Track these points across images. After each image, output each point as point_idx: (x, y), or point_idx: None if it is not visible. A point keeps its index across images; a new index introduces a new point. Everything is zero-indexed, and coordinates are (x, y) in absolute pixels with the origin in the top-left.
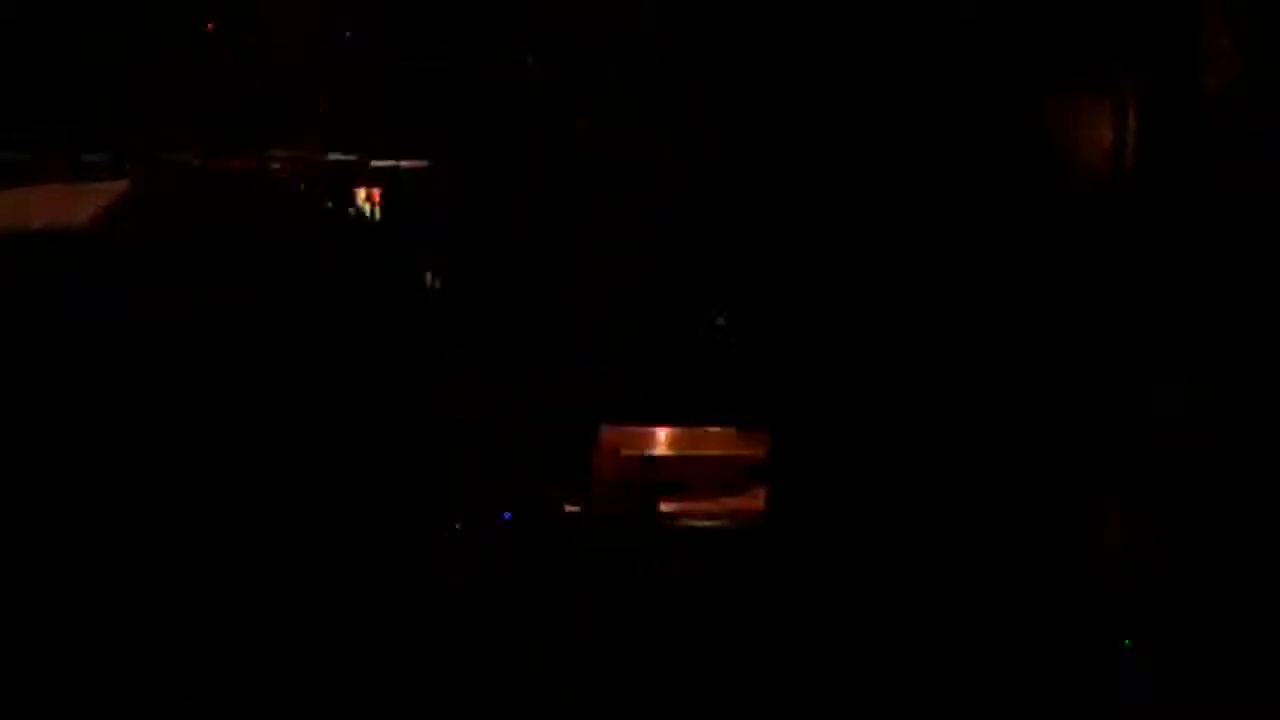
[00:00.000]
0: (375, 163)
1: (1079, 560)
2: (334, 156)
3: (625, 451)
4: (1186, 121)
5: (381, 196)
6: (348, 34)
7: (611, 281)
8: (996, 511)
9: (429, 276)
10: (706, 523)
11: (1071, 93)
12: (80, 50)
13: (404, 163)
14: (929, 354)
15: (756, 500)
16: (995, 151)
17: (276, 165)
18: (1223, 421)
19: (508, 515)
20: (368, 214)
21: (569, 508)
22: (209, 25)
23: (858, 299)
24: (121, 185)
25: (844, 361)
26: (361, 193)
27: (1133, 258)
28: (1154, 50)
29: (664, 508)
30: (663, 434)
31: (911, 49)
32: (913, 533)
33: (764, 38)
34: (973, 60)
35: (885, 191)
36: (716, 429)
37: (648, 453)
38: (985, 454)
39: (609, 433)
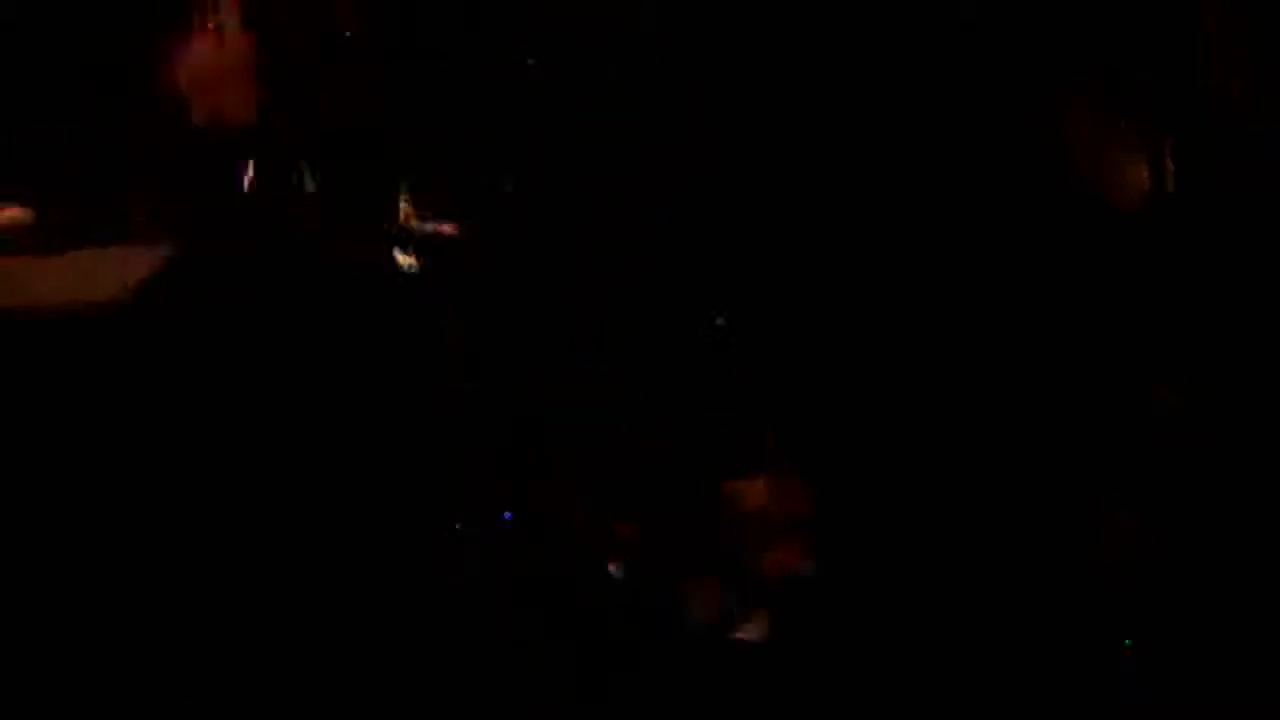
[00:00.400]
0: (417, 225)
1: (1083, 563)
2: (370, 220)
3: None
4: (1219, 146)
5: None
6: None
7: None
8: (1009, 517)
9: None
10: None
11: (1106, 118)
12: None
13: (446, 227)
14: (954, 374)
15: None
16: (1022, 171)
17: (313, 225)
18: (1233, 427)
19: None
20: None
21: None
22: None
23: (882, 321)
24: (161, 251)
25: (866, 379)
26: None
27: (1162, 278)
28: (1188, 77)
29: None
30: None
31: (943, 72)
32: (926, 539)
33: (784, 59)
34: (1001, 80)
35: (910, 213)
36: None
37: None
38: (1013, 476)
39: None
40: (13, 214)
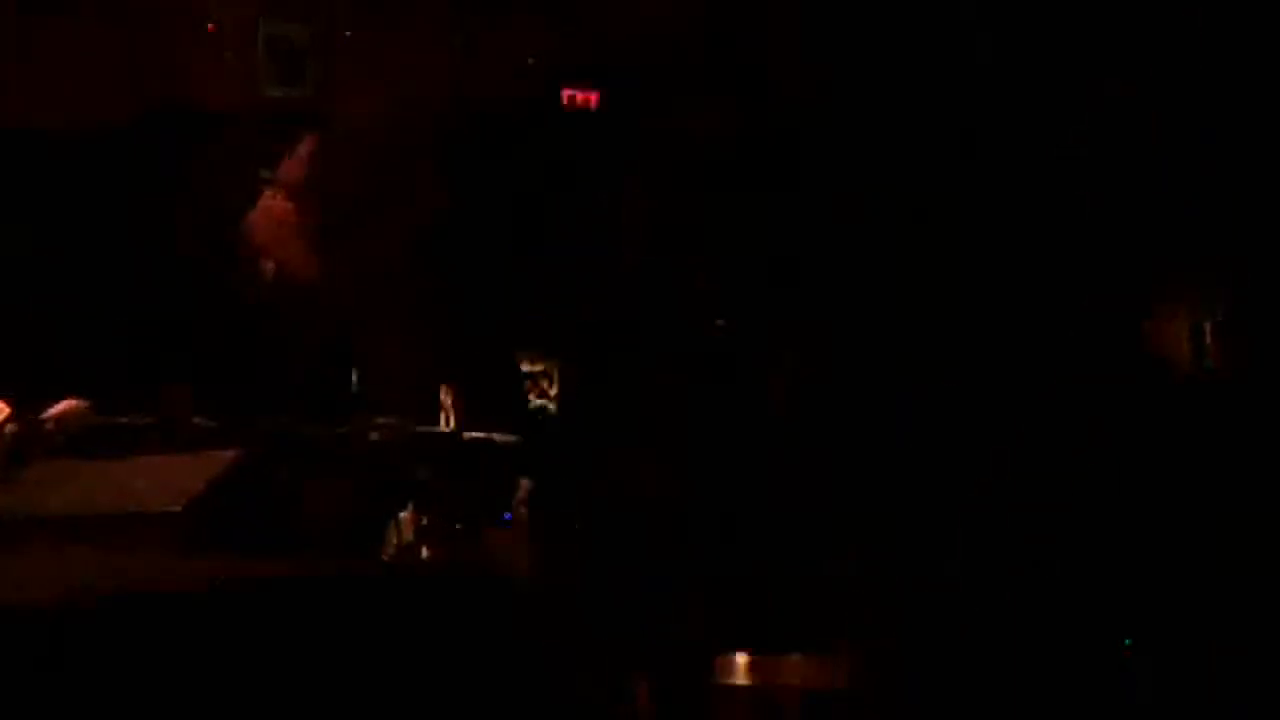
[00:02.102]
0: (468, 435)
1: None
2: (426, 429)
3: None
4: (1261, 327)
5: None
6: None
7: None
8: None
9: None
10: None
11: (1154, 300)
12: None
13: (496, 436)
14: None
15: None
16: (1079, 350)
17: (374, 435)
18: None
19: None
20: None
21: None
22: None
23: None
24: (227, 457)
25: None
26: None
27: (1217, 452)
28: (1232, 261)
29: None
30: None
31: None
32: None
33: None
34: (1057, 261)
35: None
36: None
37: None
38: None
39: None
40: (70, 405)
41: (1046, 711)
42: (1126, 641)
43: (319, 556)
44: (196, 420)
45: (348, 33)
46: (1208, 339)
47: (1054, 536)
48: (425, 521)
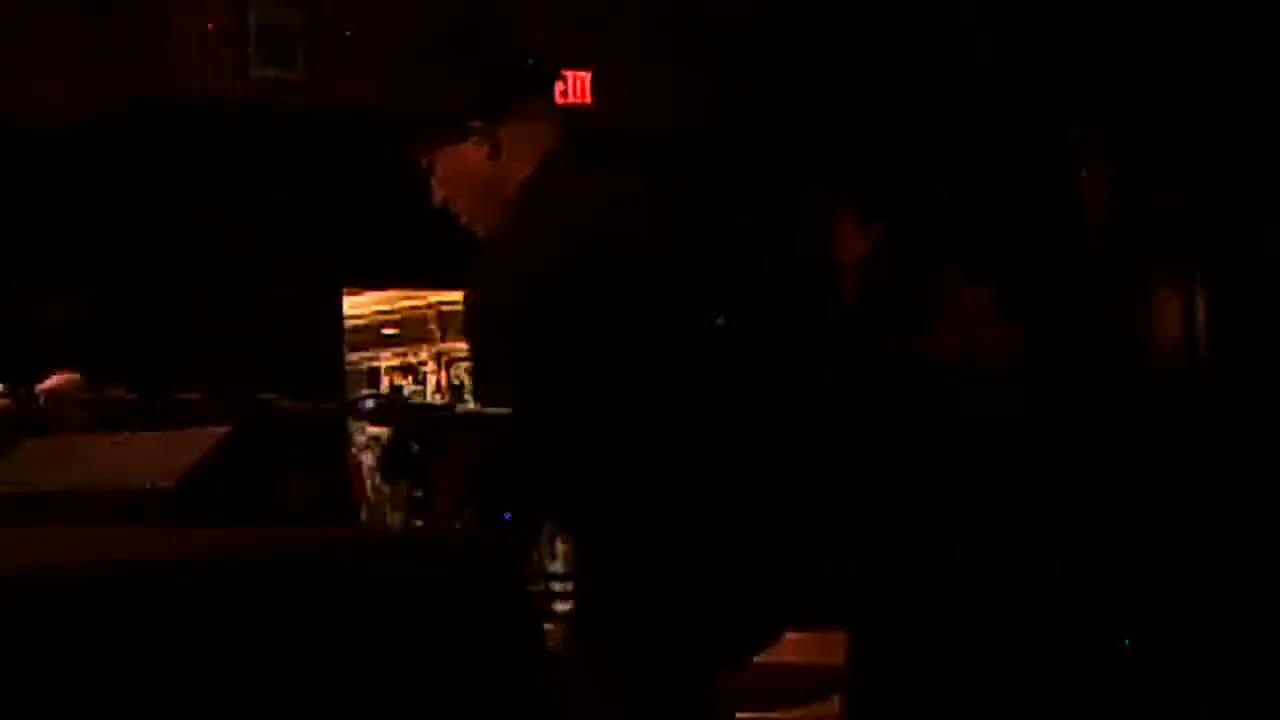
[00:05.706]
0: (462, 408)
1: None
2: (420, 401)
3: None
4: (1256, 312)
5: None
6: None
7: None
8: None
9: None
10: None
11: (1143, 283)
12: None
13: (490, 409)
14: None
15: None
16: (1068, 337)
17: (368, 405)
18: None
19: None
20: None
21: None
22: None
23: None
24: (219, 433)
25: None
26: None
27: (1206, 440)
28: (1224, 243)
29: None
30: None
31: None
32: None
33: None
34: (1048, 246)
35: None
36: (794, 634)
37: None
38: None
39: None
40: (63, 379)
41: (1046, 710)
42: (1126, 642)
43: (313, 531)
44: (186, 395)
45: (348, 33)
46: (1199, 328)
47: (1053, 535)
48: (419, 495)
